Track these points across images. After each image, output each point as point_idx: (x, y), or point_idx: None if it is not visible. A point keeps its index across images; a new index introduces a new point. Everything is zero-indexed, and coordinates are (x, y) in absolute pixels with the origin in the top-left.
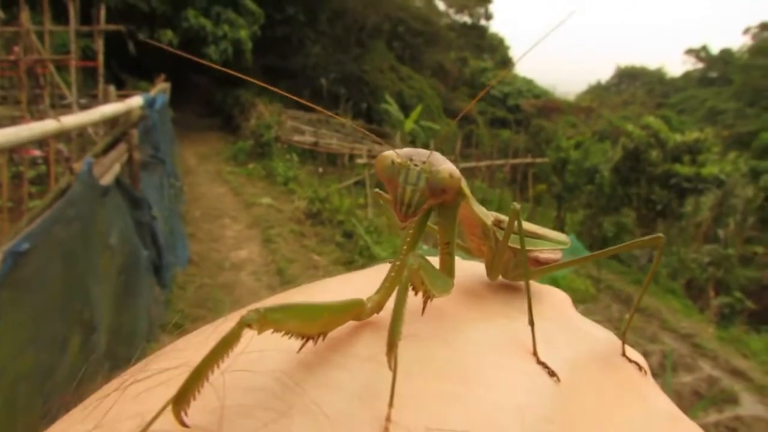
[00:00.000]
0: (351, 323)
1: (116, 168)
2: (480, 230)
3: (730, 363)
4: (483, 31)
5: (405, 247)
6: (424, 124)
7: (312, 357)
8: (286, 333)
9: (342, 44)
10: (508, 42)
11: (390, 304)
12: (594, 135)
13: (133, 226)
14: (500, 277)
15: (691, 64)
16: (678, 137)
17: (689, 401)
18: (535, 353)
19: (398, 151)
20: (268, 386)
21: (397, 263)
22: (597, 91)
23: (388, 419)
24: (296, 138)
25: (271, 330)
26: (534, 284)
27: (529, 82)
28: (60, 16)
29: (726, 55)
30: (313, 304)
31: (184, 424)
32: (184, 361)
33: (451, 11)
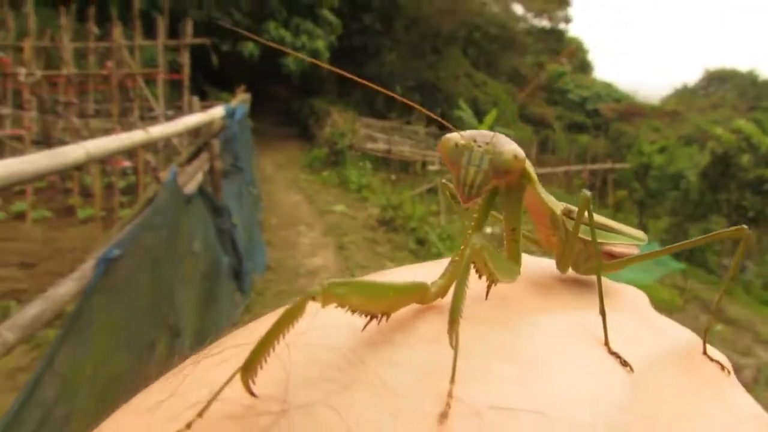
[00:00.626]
0: (415, 306)
1: (199, 177)
2: (548, 220)
3: None
4: (561, 34)
5: (470, 231)
6: (498, 129)
7: (376, 335)
8: (349, 308)
9: (417, 52)
10: (586, 45)
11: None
12: (679, 140)
13: (215, 233)
14: (571, 270)
15: None
16: None
17: None
18: (606, 343)
19: (462, 133)
20: (332, 361)
21: (462, 248)
22: (683, 94)
23: (450, 395)
24: (369, 145)
25: (335, 304)
26: (610, 281)
27: (608, 86)
28: (149, 30)
29: None
30: (377, 283)
31: (251, 392)
32: (258, 337)
33: (530, 15)
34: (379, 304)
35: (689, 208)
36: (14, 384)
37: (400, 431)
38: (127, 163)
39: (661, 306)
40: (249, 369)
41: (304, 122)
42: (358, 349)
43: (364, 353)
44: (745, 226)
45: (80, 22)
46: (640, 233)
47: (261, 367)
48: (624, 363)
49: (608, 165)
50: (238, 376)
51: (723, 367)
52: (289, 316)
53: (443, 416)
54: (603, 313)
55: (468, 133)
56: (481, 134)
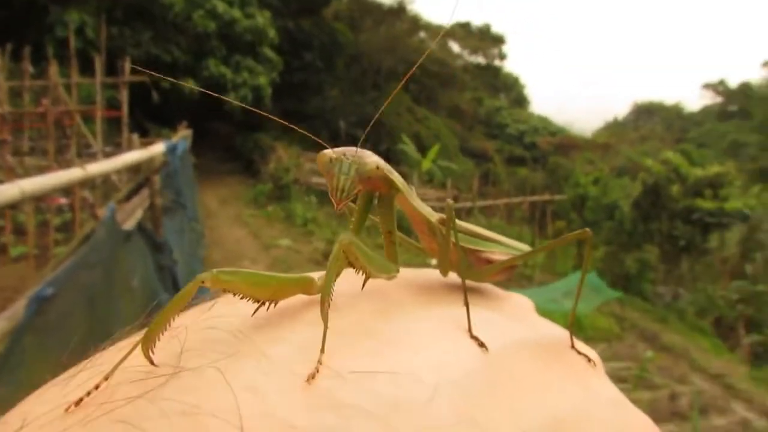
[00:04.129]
0: (304, 297)
1: (139, 213)
2: (426, 227)
3: (766, 404)
4: (497, 71)
5: (349, 231)
6: (441, 163)
7: (264, 320)
8: (236, 293)
9: (359, 87)
10: (522, 81)
11: (336, 283)
12: (612, 171)
13: (155, 269)
14: (455, 276)
15: (709, 99)
16: (699, 171)
17: None
18: (468, 329)
19: (334, 149)
20: (223, 338)
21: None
22: (614, 127)
23: (319, 362)
24: (315, 180)
25: (222, 288)
26: (497, 288)
27: (544, 120)
28: (86, 68)
29: (745, 88)
30: (264, 273)
31: (151, 361)
32: (177, 325)
33: (465, 53)
34: (264, 291)
35: (623, 238)
36: None
37: (272, 387)
38: (63, 200)
39: (600, 334)
40: (148, 341)
41: (247, 158)
42: (247, 330)
43: (251, 332)
44: (588, 229)
45: (15, 61)
46: (521, 245)
47: (159, 339)
48: (481, 344)
49: (546, 197)
50: (139, 349)
51: (589, 360)
52: (182, 297)
53: (311, 377)
54: (467, 304)
55: (339, 149)
56: (349, 150)
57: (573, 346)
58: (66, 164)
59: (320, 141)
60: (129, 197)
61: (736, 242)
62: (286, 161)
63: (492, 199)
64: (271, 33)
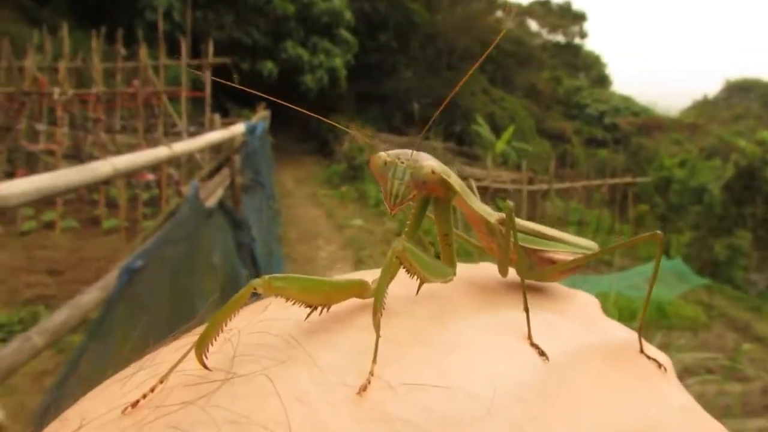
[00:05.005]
0: (357, 301)
1: (220, 191)
2: (484, 227)
3: None
4: (577, 49)
5: (403, 236)
6: (516, 144)
7: (316, 325)
8: (289, 299)
9: (433, 68)
10: (604, 59)
11: (392, 286)
12: (701, 152)
13: (234, 246)
14: (516, 276)
15: None
16: None
17: None
18: (529, 336)
19: (389, 152)
20: (275, 344)
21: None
22: (703, 106)
23: (371, 372)
24: None
25: (275, 294)
26: (560, 286)
27: (626, 100)
28: (173, 51)
29: None
30: (316, 278)
31: (204, 365)
32: (231, 327)
33: (544, 31)
34: (317, 296)
35: (713, 222)
36: (40, 386)
37: (323, 398)
38: (151, 177)
39: (685, 323)
40: (202, 345)
41: (322, 138)
42: (299, 335)
43: (303, 338)
44: (659, 231)
45: (109, 44)
46: (588, 243)
47: (212, 344)
48: (542, 353)
49: (628, 179)
50: (193, 353)
51: (660, 365)
52: (236, 302)
53: (362, 389)
54: (526, 309)
55: (394, 151)
56: (405, 152)
57: (642, 350)
58: (154, 142)
59: (356, 131)
60: (211, 175)
61: None
62: (359, 142)
63: (570, 182)
64: (348, 15)
